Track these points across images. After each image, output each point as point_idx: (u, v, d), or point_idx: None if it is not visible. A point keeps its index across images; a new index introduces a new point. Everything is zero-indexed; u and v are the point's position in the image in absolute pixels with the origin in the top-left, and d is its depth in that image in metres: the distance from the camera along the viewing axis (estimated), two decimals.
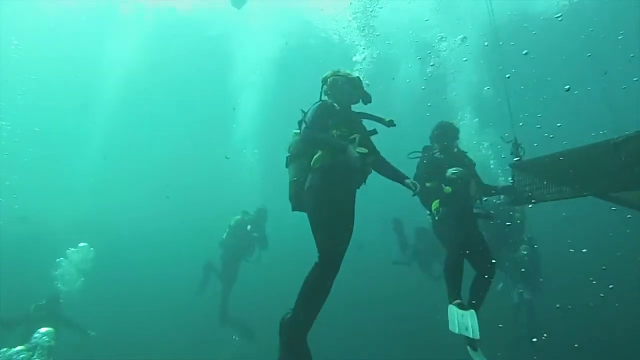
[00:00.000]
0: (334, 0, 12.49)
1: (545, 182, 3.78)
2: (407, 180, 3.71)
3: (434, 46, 11.90)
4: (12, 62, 14.02)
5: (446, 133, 4.84)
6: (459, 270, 4.32)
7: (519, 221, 6.63)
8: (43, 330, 6.72)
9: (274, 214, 9.53)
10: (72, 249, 10.10)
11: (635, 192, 3.94)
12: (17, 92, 14.13)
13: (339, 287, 3.22)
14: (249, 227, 8.77)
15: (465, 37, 11.59)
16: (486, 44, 5.38)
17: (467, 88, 11.43)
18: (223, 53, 15.22)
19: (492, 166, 8.60)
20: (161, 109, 15.88)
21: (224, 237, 8.97)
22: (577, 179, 3.62)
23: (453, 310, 3.96)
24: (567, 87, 10.26)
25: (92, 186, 15.32)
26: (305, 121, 3.46)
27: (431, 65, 11.53)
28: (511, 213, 6.57)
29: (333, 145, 3.33)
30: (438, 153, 4.79)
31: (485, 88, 10.98)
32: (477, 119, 10.56)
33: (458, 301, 4.08)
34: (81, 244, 10.33)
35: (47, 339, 6.66)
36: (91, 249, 10.35)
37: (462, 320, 3.84)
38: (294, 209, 3.56)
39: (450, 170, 4.47)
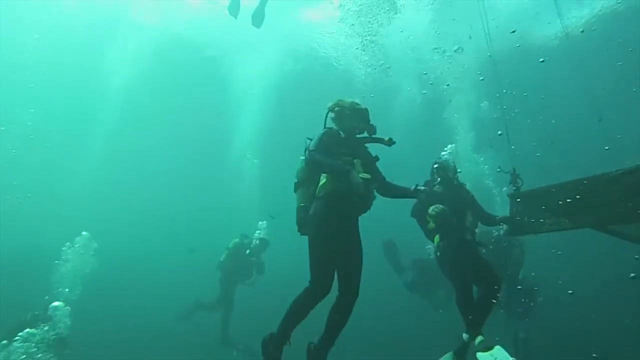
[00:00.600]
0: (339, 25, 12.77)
1: (543, 213, 3.70)
2: (413, 188, 3.70)
3: (436, 60, 11.88)
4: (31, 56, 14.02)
5: (444, 168, 4.95)
6: (471, 303, 4.39)
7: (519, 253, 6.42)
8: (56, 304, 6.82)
9: (273, 225, 9.63)
10: (68, 246, 9.93)
11: (633, 225, 3.86)
12: (29, 86, 14.04)
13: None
14: (248, 251, 8.77)
15: (461, 48, 11.49)
16: (489, 54, 5.34)
17: (465, 103, 11.38)
18: (226, 67, 15.27)
19: (490, 184, 8.49)
20: (162, 118, 15.79)
21: (222, 259, 8.90)
22: (576, 210, 3.53)
23: (483, 357, 4.00)
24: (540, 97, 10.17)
25: (93, 190, 15.18)
26: (308, 147, 3.44)
27: (447, 85, 11.48)
28: (515, 244, 6.41)
29: (336, 169, 3.30)
30: (437, 186, 4.88)
31: (483, 103, 10.91)
32: (473, 133, 10.46)
33: (481, 339, 4.12)
34: (83, 233, 10.25)
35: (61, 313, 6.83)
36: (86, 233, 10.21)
37: (498, 358, 3.92)
38: (301, 234, 3.55)
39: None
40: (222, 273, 8.78)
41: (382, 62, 12.98)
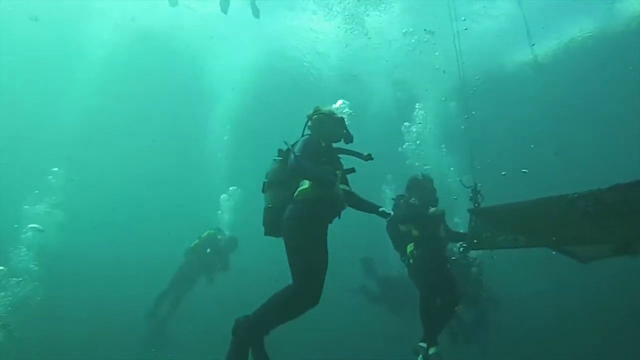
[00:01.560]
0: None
1: (501, 230, 3.68)
2: (381, 209, 3.73)
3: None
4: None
5: (421, 186, 5.08)
6: (434, 312, 4.46)
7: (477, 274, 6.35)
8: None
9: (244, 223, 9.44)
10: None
11: (585, 246, 3.89)
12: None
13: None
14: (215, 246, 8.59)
15: (432, 32, 11.56)
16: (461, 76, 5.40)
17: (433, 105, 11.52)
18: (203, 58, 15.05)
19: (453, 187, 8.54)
20: (138, 109, 15.41)
21: (191, 246, 8.68)
22: (533, 229, 3.53)
23: None
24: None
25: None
26: (294, 152, 3.33)
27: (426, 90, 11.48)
28: (474, 259, 6.30)
29: (323, 179, 3.26)
30: (414, 199, 4.96)
31: (451, 103, 11.05)
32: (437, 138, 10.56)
33: (435, 351, 4.19)
34: (54, 169, 10.12)
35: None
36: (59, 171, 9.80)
37: None
38: (266, 234, 3.52)
39: (434, 208, 4.79)
40: (187, 260, 8.54)
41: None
